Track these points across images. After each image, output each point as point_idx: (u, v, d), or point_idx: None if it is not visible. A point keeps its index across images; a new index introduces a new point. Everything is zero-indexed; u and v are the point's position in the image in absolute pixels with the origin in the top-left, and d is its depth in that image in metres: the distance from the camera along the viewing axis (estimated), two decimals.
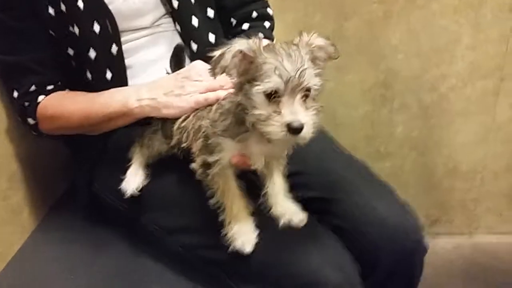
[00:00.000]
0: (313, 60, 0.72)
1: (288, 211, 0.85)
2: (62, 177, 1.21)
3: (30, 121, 0.98)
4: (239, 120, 0.75)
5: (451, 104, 1.56)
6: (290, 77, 0.67)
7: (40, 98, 0.97)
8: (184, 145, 0.85)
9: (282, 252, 0.83)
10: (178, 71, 0.91)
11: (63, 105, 0.96)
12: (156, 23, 1.02)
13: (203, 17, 1.05)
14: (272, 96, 0.69)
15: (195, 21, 1.03)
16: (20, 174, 1.08)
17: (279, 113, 0.68)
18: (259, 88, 0.68)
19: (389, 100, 1.56)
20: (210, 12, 1.07)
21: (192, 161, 0.82)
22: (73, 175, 1.10)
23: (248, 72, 0.71)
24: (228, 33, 1.13)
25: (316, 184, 0.95)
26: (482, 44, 1.48)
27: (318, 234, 0.88)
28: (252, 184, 0.85)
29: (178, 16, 1.02)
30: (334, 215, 0.93)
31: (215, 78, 0.72)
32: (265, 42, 0.73)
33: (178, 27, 1.03)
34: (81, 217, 1.07)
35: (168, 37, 1.03)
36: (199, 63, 0.90)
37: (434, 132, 1.61)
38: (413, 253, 0.94)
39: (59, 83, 1.00)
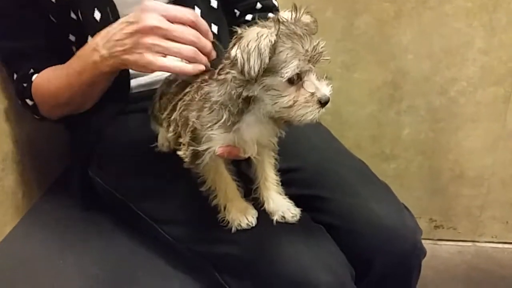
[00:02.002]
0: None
1: (281, 207, 0.84)
2: (58, 161, 1.20)
3: (29, 102, 0.98)
4: (232, 113, 0.72)
5: (460, 108, 1.53)
6: (310, 56, 0.67)
7: (34, 77, 0.96)
8: (170, 135, 0.83)
9: (273, 249, 0.81)
10: (127, 17, 0.82)
11: (48, 81, 0.95)
12: None
13: (206, 7, 1.03)
14: (295, 79, 0.67)
15: (197, 11, 1.01)
16: (14, 156, 1.07)
17: (308, 92, 0.68)
18: (285, 76, 0.66)
19: (397, 101, 1.53)
20: (214, 3, 1.05)
21: (179, 149, 0.80)
22: (70, 159, 1.10)
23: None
24: (231, 23, 1.12)
25: (312, 182, 0.93)
26: (495, 49, 1.44)
27: (311, 233, 0.86)
28: (243, 178, 0.84)
29: (181, 5, 1.00)
30: (329, 214, 0.91)
31: (255, 80, 0.67)
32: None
33: None
34: (75, 201, 1.06)
35: None
36: (151, 4, 0.81)
37: (442, 136, 1.58)
38: (410, 256, 0.91)
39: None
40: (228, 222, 0.81)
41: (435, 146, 1.60)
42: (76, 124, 1.02)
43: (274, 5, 1.13)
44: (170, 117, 0.82)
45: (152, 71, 0.82)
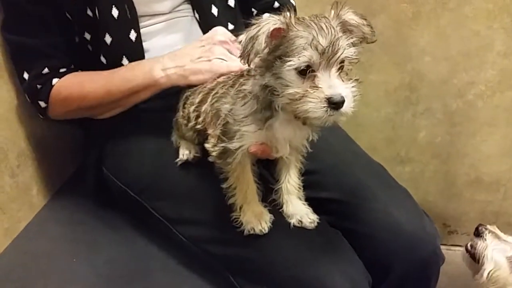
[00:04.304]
0: (345, 32, 0.67)
1: (299, 211, 0.82)
2: (73, 157, 1.19)
3: (42, 104, 0.97)
4: (264, 105, 0.70)
5: (477, 112, 1.50)
6: (325, 49, 0.63)
7: (55, 81, 0.95)
8: (199, 126, 0.82)
9: (289, 254, 0.80)
10: (200, 38, 0.90)
11: (80, 84, 0.95)
12: (175, 9, 0.99)
13: (223, 6, 1.02)
14: (307, 72, 0.64)
15: (214, 10, 1.00)
16: (29, 152, 1.07)
17: (317, 88, 0.64)
18: (292, 64, 0.64)
19: (414, 103, 1.51)
20: (231, 2, 1.04)
21: (207, 141, 0.79)
22: (83, 157, 1.09)
23: (278, 48, 0.65)
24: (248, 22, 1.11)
25: (331, 185, 0.92)
26: None
27: (328, 238, 0.84)
28: (263, 179, 0.83)
29: (198, 4, 1.00)
30: (347, 218, 0.89)
31: (248, 65, 0.67)
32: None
33: (197, 15, 1.00)
34: (89, 199, 1.06)
35: (186, 24, 1.01)
36: (220, 28, 0.90)
37: (458, 140, 1.55)
38: (429, 262, 0.90)
39: (72, 66, 0.99)
40: (242, 223, 0.80)
41: (451, 150, 1.57)
42: (90, 122, 1.01)
43: (291, 4, 1.12)
44: (199, 109, 0.81)
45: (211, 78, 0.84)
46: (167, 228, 0.91)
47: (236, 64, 0.82)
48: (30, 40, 0.94)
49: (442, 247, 1.04)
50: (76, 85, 0.95)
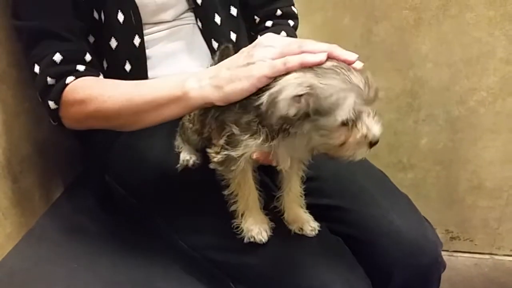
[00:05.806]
0: None
1: (300, 219, 0.83)
2: (75, 163, 1.20)
3: (51, 104, 0.85)
4: (273, 134, 0.70)
5: (479, 118, 1.50)
6: (363, 91, 0.64)
7: (70, 79, 0.84)
8: (205, 135, 0.82)
9: (290, 262, 0.80)
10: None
11: (100, 87, 0.84)
12: (178, 17, 1.00)
13: (226, 15, 1.03)
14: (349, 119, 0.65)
15: (217, 19, 1.01)
16: (32, 158, 1.07)
17: (359, 132, 0.66)
18: (336, 120, 0.64)
19: (416, 110, 1.51)
20: (233, 10, 1.05)
21: (209, 147, 0.79)
22: (86, 164, 1.09)
23: (309, 105, 0.64)
24: (251, 30, 1.11)
25: (331, 191, 0.92)
26: None
27: (329, 245, 0.84)
28: (264, 187, 0.83)
29: (201, 12, 1.00)
30: (348, 225, 0.89)
31: (273, 128, 0.67)
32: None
33: (199, 24, 1.01)
34: (91, 205, 1.06)
35: (188, 32, 1.01)
36: (270, 34, 0.73)
37: (460, 147, 1.55)
38: (430, 270, 0.90)
39: (87, 56, 0.89)
40: (242, 230, 0.80)
41: (453, 156, 1.57)
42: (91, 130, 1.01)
43: (294, 13, 1.12)
44: (204, 118, 0.81)
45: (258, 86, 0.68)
46: (169, 235, 0.91)
47: (277, 63, 0.66)
48: (40, 22, 0.86)
49: (444, 253, 1.05)
50: (95, 88, 0.84)
